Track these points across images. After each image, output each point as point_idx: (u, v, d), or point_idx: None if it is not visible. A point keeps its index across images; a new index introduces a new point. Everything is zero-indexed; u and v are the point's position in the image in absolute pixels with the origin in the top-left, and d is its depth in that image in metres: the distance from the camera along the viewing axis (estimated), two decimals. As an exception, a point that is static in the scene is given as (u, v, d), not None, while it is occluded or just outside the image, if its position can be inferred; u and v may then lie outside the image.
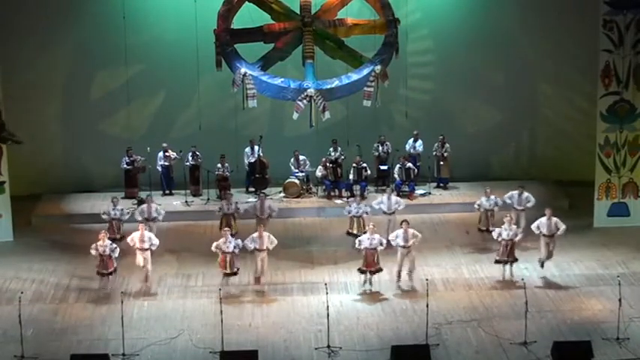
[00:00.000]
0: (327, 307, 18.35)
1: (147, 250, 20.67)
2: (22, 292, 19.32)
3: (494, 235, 21.25)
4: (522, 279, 19.77)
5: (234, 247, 20.42)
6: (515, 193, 23.13)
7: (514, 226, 21.25)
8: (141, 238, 20.68)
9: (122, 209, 22.68)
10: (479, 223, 23.17)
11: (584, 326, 18.88)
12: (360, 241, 20.69)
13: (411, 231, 20.74)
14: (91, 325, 19.17)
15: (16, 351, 17.84)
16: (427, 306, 18.36)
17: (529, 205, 22.96)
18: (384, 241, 20.68)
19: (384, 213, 22.87)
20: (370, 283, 20.59)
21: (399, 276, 20.80)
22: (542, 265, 21.24)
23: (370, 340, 18.44)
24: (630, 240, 23.19)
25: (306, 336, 18.61)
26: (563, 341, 17.86)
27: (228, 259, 20.39)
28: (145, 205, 22.75)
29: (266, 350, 17.98)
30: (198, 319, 19.31)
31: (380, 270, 20.66)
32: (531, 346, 18.04)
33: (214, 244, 20.57)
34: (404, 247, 20.66)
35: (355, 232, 22.51)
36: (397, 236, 20.75)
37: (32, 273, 21.67)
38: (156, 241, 20.81)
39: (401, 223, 20.90)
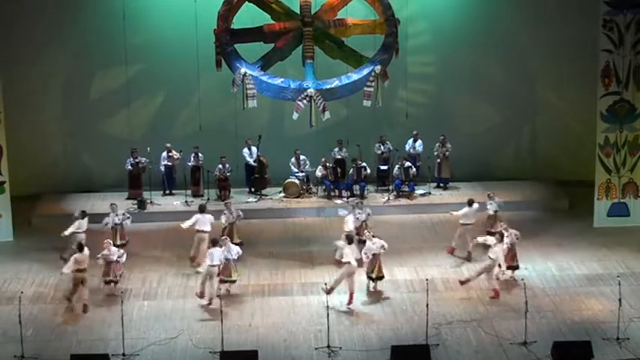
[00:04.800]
0: (327, 307, 18.39)
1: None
2: (22, 292, 19.33)
3: (505, 245, 21.03)
4: (522, 279, 19.76)
5: (236, 254, 20.34)
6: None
7: (511, 230, 21.04)
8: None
9: (123, 213, 22.58)
10: (488, 227, 22.72)
11: (584, 326, 18.87)
12: (366, 252, 20.33)
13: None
14: (91, 325, 19.16)
15: (16, 351, 17.85)
16: (427, 306, 18.36)
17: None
18: (385, 244, 20.58)
19: None
20: (375, 288, 20.61)
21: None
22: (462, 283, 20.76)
23: (370, 340, 18.43)
24: (630, 240, 23.17)
25: (306, 336, 18.60)
26: (563, 341, 17.86)
27: (229, 266, 20.28)
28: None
29: (266, 350, 17.98)
30: (198, 319, 19.31)
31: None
32: (531, 346, 18.04)
33: None
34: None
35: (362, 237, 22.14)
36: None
37: (32, 273, 21.65)
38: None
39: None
